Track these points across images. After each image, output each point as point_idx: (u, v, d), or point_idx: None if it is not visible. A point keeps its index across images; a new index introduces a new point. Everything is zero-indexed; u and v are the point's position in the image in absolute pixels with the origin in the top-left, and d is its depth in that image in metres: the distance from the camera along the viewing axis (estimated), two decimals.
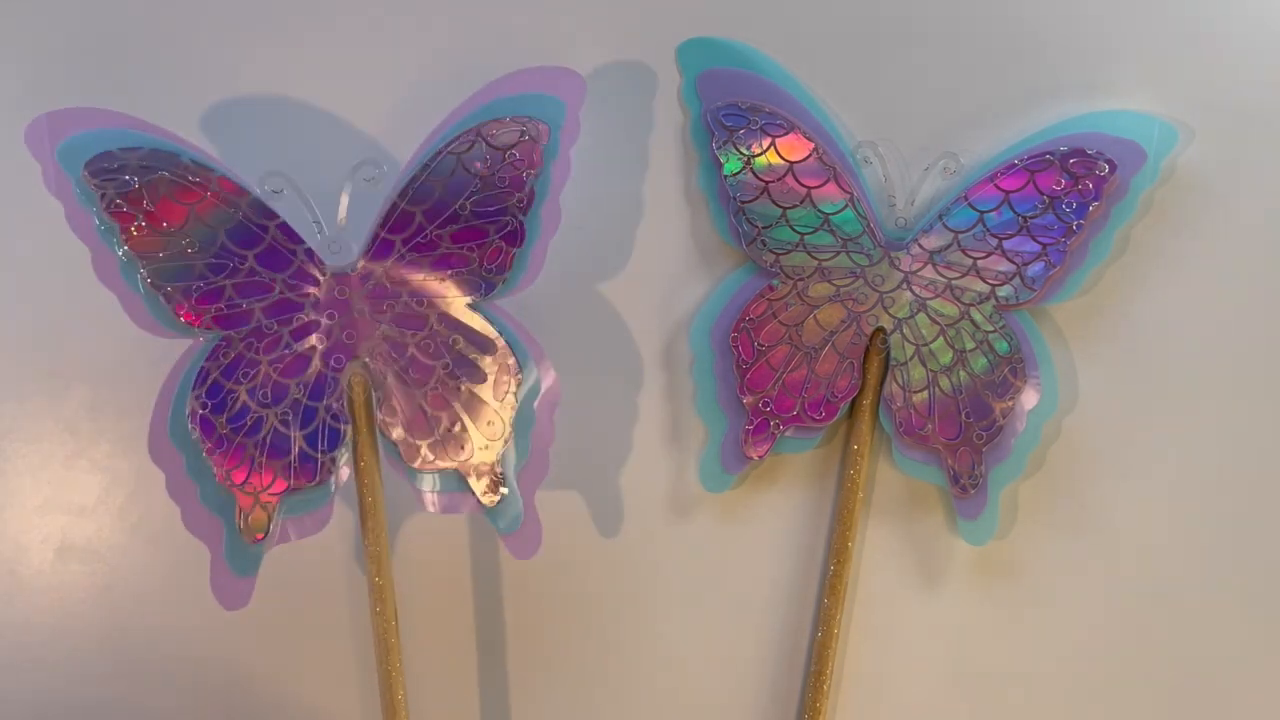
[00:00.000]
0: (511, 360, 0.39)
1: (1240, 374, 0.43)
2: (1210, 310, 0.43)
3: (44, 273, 0.44)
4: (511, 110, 0.39)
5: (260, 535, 0.38)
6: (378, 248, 0.39)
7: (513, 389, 0.39)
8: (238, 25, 0.44)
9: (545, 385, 0.40)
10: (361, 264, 0.39)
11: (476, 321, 0.39)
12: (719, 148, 0.41)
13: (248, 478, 0.38)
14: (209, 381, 0.38)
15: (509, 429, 0.39)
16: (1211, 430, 0.43)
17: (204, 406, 0.38)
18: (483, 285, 0.39)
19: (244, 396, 0.38)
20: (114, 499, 0.43)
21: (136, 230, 0.37)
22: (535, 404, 0.39)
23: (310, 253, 0.38)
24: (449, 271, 0.39)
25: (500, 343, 0.39)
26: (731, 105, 0.42)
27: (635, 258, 0.44)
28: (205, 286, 0.38)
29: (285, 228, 0.38)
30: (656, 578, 0.44)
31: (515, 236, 0.39)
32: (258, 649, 0.43)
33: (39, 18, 0.44)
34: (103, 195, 0.37)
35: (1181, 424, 0.43)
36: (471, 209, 0.38)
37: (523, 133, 0.38)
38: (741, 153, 0.41)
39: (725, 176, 0.41)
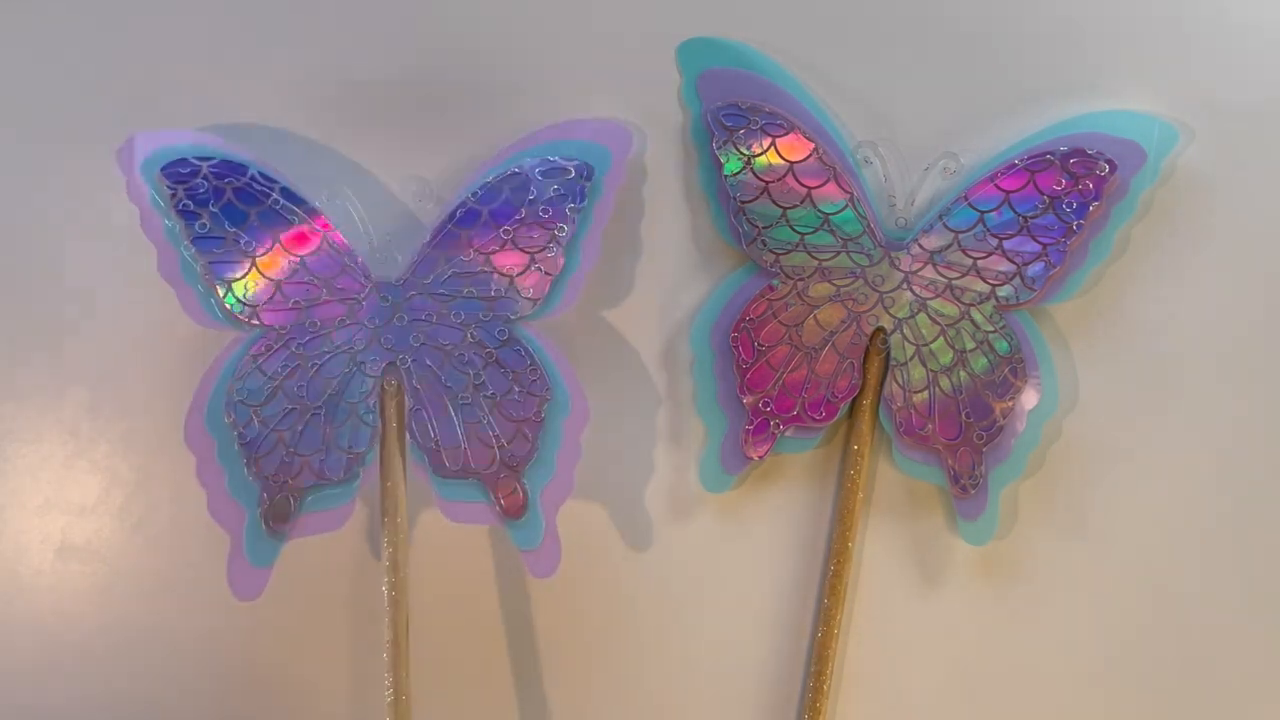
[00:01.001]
0: (542, 379, 0.40)
1: (1240, 374, 0.43)
2: (1210, 310, 0.43)
3: (44, 273, 0.44)
4: (561, 153, 0.41)
5: (281, 524, 0.39)
6: (423, 262, 0.40)
7: (540, 406, 0.40)
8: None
9: (574, 405, 0.41)
10: (406, 275, 0.41)
11: (511, 340, 0.41)
12: (719, 148, 0.41)
13: (277, 468, 0.39)
14: (250, 372, 0.40)
15: (534, 444, 0.40)
16: (1211, 430, 0.43)
17: (241, 395, 0.39)
18: (519, 307, 0.41)
19: (281, 389, 0.40)
20: (114, 499, 0.43)
21: (200, 228, 0.39)
22: (563, 423, 0.41)
23: (358, 260, 0.40)
24: (489, 291, 0.41)
25: (532, 361, 0.40)
26: (731, 105, 0.42)
27: (635, 257, 0.44)
28: (259, 285, 0.40)
29: (337, 235, 0.40)
30: (656, 578, 0.44)
31: (554, 265, 0.41)
32: (259, 649, 0.43)
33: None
34: (174, 195, 0.39)
35: (1181, 424, 0.43)
36: (515, 235, 0.40)
37: (569, 172, 0.41)
38: (741, 153, 0.41)
39: (725, 176, 0.41)
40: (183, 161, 0.40)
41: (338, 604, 0.43)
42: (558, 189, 0.40)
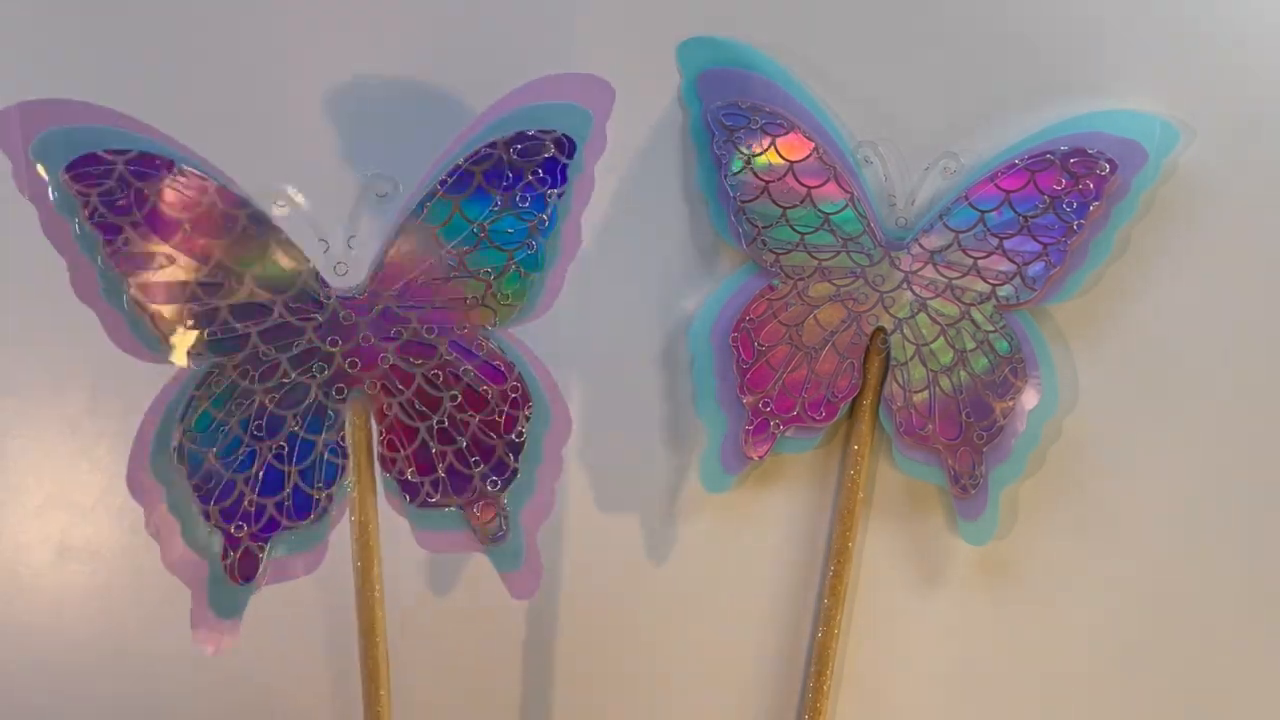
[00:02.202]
0: (524, 393, 0.37)
1: (1240, 374, 0.43)
2: (1210, 310, 0.43)
3: (44, 271, 0.43)
4: (536, 121, 0.36)
5: (249, 577, 0.36)
6: (388, 270, 0.36)
7: (522, 423, 0.37)
8: (239, 23, 0.44)
9: (555, 418, 0.37)
10: (369, 287, 0.36)
11: (488, 351, 0.37)
12: (719, 148, 0.41)
13: (237, 515, 0.35)
14: (198, 411, 0.35)
15: (516, 465, 0.37)
16: (1212, 430, 0.43)
17: (192, 439, 0.35)
18: (495, 314, 0.37)
19: (235, 428, 0.35)
20: (114, 499, 0.44)
21: (123, 243, 0.33)
22: (544, 438, 0.37)
23: (315, 274, 0.36)
24: (462, 297, 0.36)
25: (512, 374, 0.37)
26: (731, 105, 0.42)
27: (635, 258, 0.44)
28: (198, 308, 0.34)
29: (287, 243, 0.35)
30: (656, 578, 0.44)
31: (534, 261, 0.36)
32: (258, 649, 0.43)
33: (38, 8, 0.43)
34: (85, 202, 0.33)
35: (1182, 424, 0.43)
36: (490, 230, 0.36)
37: (548, 148, 0.36)
38: (741, 152, 0.41)
39: (725, 176, 0.41)
40: (92, 157, 0.33)
41: (334, 603, 0.43)
42: (536, 173, 0.35)
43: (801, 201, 0.41)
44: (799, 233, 0.41)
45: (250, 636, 0.43)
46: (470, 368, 0.36)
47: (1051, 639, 0.43)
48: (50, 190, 0.33)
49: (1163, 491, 0.43)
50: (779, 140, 0.41)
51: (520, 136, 0.36)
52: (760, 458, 0.42)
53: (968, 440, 0.41)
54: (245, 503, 0.35)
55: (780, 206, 0.41)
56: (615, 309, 0.44)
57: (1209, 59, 0.43)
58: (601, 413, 0.43)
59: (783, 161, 0.41)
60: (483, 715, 0.44)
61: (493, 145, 0.36)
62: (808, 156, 0.41)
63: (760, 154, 0.41)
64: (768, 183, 0.41)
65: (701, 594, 0.44)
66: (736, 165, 0.41)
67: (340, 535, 0.37)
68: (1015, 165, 0.41)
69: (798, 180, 0.41)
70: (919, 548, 0.43)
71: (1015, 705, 0.43)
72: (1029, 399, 0.41)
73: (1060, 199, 0.40)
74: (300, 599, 0.43)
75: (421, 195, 0.36)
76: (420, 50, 0.44)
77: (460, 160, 0.36)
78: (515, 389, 0.37)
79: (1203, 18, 0.43)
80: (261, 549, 0.36)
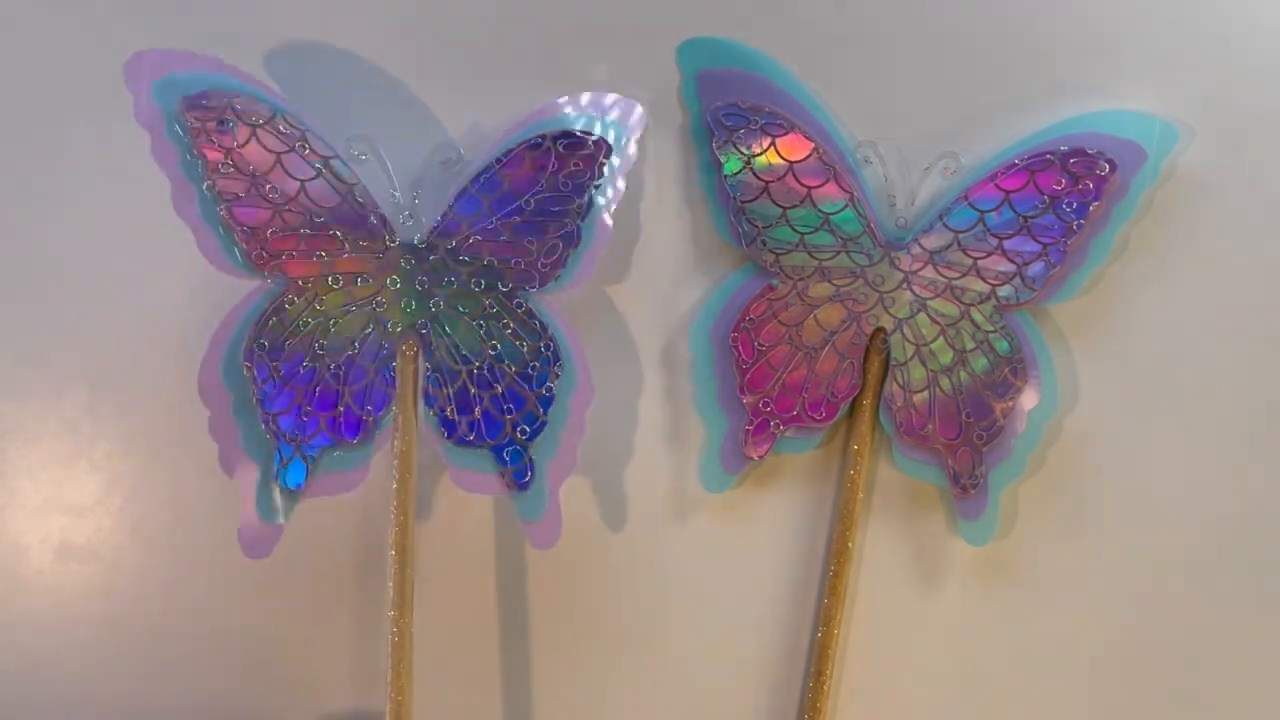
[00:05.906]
0: (555, 353, 0.40)
1: (1240, 373, 0.43)
2: (1210, 310, 0.43)
3: (44, 272, 0.44)
4: (582, 124, 0.41)
5: (296, 484, 0.39)
6: (446, 226, 0.40)
7: (552, 380, 0.40)
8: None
9: (581, 381, 0.41)
10: (429, 238, 0.40)
11: (528, 312, 0.40)
12: (719, 148, 0.41)
13: (293, 425, 0.39)
14: (269, 324, 0.39)
15: (545, 419, 0.40)
16: (1211, 430, 0.43)
17: (261, 347, 0.39)
18: (536, 278, 0.40)
19: (301, 344, 0.39)
20: (113, 499, 0.43)
21: (224, 168, 0.38)
22: (570, 399, 0.40)
23: (383, 219, 0.40)
24: (509, 260, 0.40)
25: (547, 334, 0.40)
26: (731, 105, 0.42)
27: (635, 258, 0.44)
28: (280, 230, 0.39)
29: (363, 191, 0.39)
30: (656, 578, 0.44)
31: (572, 238, 0.40)
32: (259, 650, 0.43)
33: None
34: (196, 130, 0.38)
35: (1182, 424, 0.43)
36: (535, 206, 0.40)
37: (588, 146, 0.40)
38: (741, 152, 0.41)
39: (725, 176, 0.41)
40: (206, 94, 0.38)
41: (337, 599, 0.43)
42: (577, 164, 0.40)
43: (801, 201, 0.41)
44: (799, 233, 0.41)
45: (253, 635, 0.43)
46: (510, 322, 0.40)
47: (1051, 638, 0.43)
48: (164, 121, 0.38)
49: (1162, 491, 0.43)
50: (779, 140, 0.41)
51: (566, 134, 0.40)
52: (760, 458, 0.42)
53: (968, 440, 0.41)
54: (302, 413, 0.39)
55: (780, 206, 0.41)
56: (615, 309, 0.44)
57: (1209, 59, 0.43)
58: (602, 412, 0.43)
59: (783, 161, 0.41)
60: (480, 714, 0.44)
61: (542, 136, 0.40)
62: (808, 156, 0.41)
63: (760, 154, 0.41)
64: (768, 183, 0.41)
65: (701, 594, 0.44)
66: (736, 165, 0.41)
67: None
68: (1015, 165, 0.41)
69: (798, 180, 0.41)
70: (919, 548, 0.43)
71: (1015, 705, 0.43)
72: (1029, 399, 0.41)
73: (1060, 199, 0.40)
74: (312, 585, 0.43)
75: (480, 166, 0.40)
76: (418, 34, 0.44)
77: (516, 143, 0.40)
78: (548, 347, 0.40)
79: (1202, 18, 0.43)
80: (311, 460, 0.39)
